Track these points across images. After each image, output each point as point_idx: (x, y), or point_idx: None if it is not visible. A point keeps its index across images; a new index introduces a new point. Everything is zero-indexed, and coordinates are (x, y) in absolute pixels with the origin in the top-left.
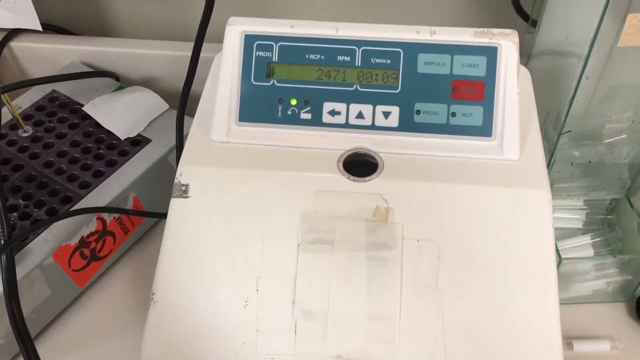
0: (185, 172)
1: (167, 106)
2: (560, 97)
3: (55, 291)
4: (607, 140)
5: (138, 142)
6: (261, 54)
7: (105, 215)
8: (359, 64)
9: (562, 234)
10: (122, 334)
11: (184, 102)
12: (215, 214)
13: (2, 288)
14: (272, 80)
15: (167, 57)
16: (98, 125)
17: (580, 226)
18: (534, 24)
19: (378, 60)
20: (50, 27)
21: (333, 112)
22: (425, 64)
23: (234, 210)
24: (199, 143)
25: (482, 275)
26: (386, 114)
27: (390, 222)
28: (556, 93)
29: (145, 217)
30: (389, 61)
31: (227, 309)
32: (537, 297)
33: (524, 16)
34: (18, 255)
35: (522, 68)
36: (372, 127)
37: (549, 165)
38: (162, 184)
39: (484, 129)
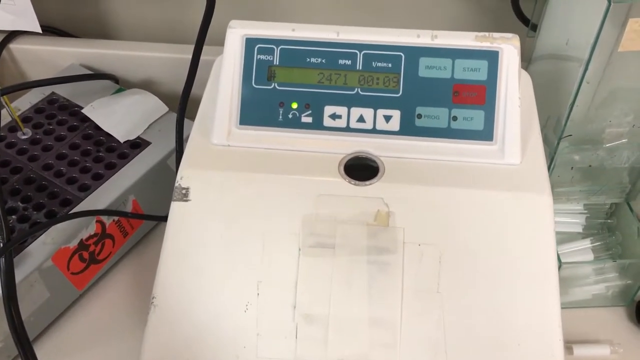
0: (185, 176)
1: (166, 109)
2: (561, 102)
3: (54, 294)
4: (607, 145)
5: (137, 145)
6: (262, 57)
7: (104, 218)
8: (360, 68)
9: (562, 238)
10: (120, 337)
11: (183, 105)
12: (215, 218)
13: (0, 291)
14: (273, 84)
15: (166, 59)
16: (97, 128)
17: (580, 230)
18: (535, 28)
19: (379, 64)
20: (50, 29)
21: (334, 116)
22: (427, 68)
23: (234, 213)
24: (200, 146)
25: (484, 279)
26: (387, 118)
27: (392, 226)
28: (556, 97)
29: (144, 220)
30: (390, 65)
31: (228, 312)
32: (538, 302)
33: (524, 20)
34: (17, 258)
35: (523, 72)
36: (373, 130)
37: (549, 169)
38: (162, 186)
39: (485, 133)
